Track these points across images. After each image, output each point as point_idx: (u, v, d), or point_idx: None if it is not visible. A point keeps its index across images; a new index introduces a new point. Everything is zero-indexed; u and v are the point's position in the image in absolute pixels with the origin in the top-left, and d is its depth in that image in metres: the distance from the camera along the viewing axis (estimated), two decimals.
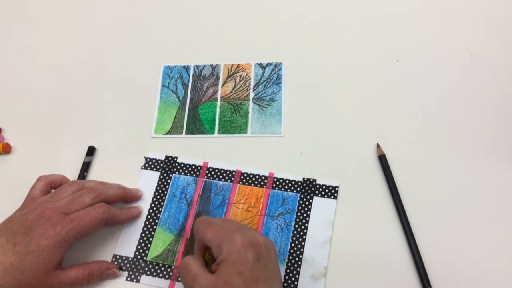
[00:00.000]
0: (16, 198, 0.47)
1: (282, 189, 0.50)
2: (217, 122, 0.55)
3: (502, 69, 0.56)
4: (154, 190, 0.51)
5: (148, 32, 0.63)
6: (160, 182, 0.51)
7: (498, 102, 0.54)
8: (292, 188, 0.50)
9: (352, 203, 0.48)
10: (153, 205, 0.50)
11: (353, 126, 0.53)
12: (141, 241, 0.48)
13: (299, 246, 0.46)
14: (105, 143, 0.54)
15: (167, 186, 0.51)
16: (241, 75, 0.58)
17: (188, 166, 0.52)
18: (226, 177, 0.51)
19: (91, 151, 0.53)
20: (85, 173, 0.52)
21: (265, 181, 0.50)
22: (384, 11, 0.62)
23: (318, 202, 0.49)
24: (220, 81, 0.58)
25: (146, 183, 0.51)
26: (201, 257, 0.40)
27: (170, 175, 0.52)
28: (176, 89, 0.58)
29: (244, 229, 0.39)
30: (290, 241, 0.47)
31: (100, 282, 0.45)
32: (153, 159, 0.53)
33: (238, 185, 0.50)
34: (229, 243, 0.37)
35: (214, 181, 0.51)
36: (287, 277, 0.45)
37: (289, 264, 0.46)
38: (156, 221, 0.49)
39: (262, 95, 0.57)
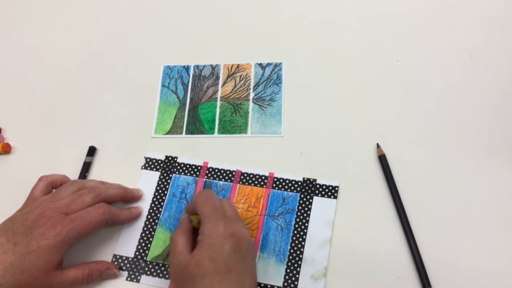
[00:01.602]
0: (16, 198, 0.47)
1: (282, 189, 0.50)
2: (217, 122, 0.55)
3: (502, 69, 0.56)
4: (154, 190, 0.51)
5: (148, 32, 0.63)
6: (160, 182, 0.51)
7: (498, 102, 0.54)
8: (292, 188, 0.50)
9: (352, 203, 0.48)
10: (153, 205, 0.50)
11: (353, 126, 0.53)
12: (141, 241, 0.48)
13: (299, 246, 0.46)
14: (105, 143, 0.54)
15: (167, 186, 0.51)
16: (241, 75, 0.58)
17: (188, 166, 0.52)
18: (226, 177, 0.51)
19: (91, 151, 0.53)
20: (86, 173, 0.52)
21: (265, 181, 0.50)
22: (384, 11, 0.62)
23: (318, 202, 0.49)
24: (220, 81, 0.58)
25: (146, 183, 0.51)
26: (189, 229, 0.42)
27: (170, 175, 0.52)
28: (176, 89, 0.58)
29: (233, 221, 0.40)
30: (290, 241, 0.47)
31: (100, 282, 0.45)
32: (153, 159, 0.53)
33: (238, 185, 0.50)
34: (212, 227, 0.39)
35: (214, 181, 0.51)
36: (287, 277, 0.45)
37: (289, 264, 0.45)
38: (156, 221, 0.49)
39: (262, 95, 0.57)
